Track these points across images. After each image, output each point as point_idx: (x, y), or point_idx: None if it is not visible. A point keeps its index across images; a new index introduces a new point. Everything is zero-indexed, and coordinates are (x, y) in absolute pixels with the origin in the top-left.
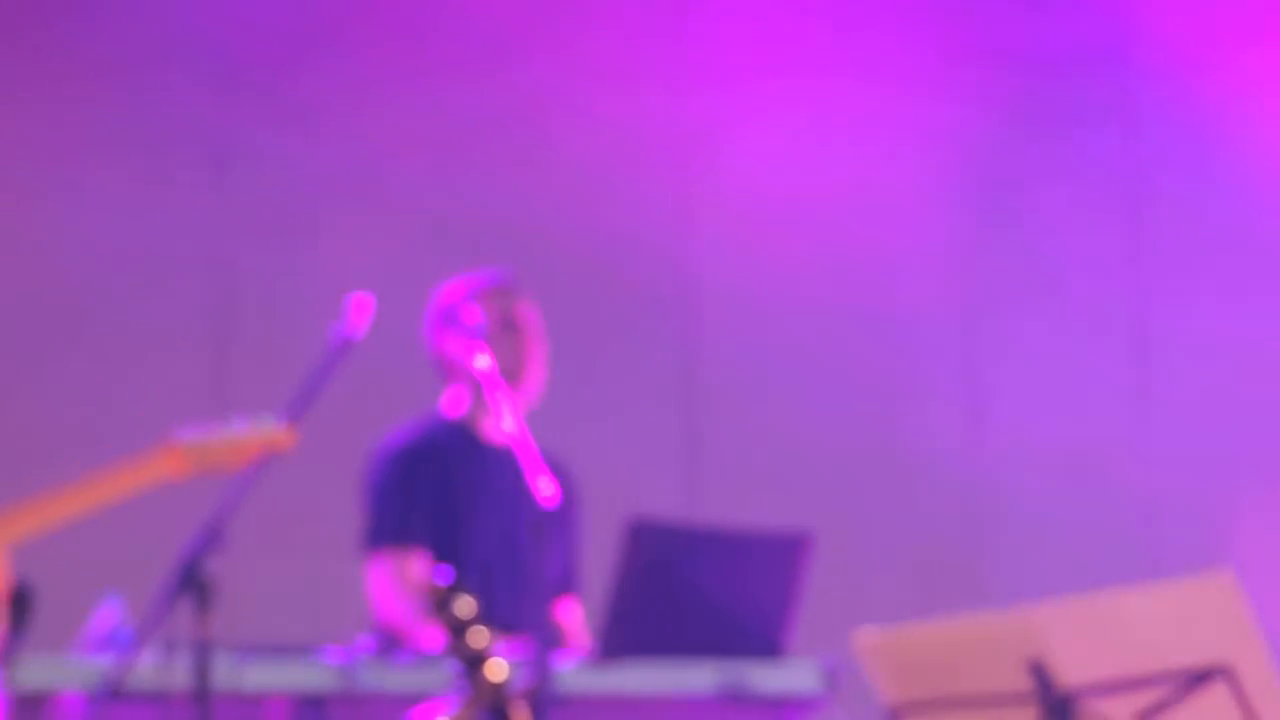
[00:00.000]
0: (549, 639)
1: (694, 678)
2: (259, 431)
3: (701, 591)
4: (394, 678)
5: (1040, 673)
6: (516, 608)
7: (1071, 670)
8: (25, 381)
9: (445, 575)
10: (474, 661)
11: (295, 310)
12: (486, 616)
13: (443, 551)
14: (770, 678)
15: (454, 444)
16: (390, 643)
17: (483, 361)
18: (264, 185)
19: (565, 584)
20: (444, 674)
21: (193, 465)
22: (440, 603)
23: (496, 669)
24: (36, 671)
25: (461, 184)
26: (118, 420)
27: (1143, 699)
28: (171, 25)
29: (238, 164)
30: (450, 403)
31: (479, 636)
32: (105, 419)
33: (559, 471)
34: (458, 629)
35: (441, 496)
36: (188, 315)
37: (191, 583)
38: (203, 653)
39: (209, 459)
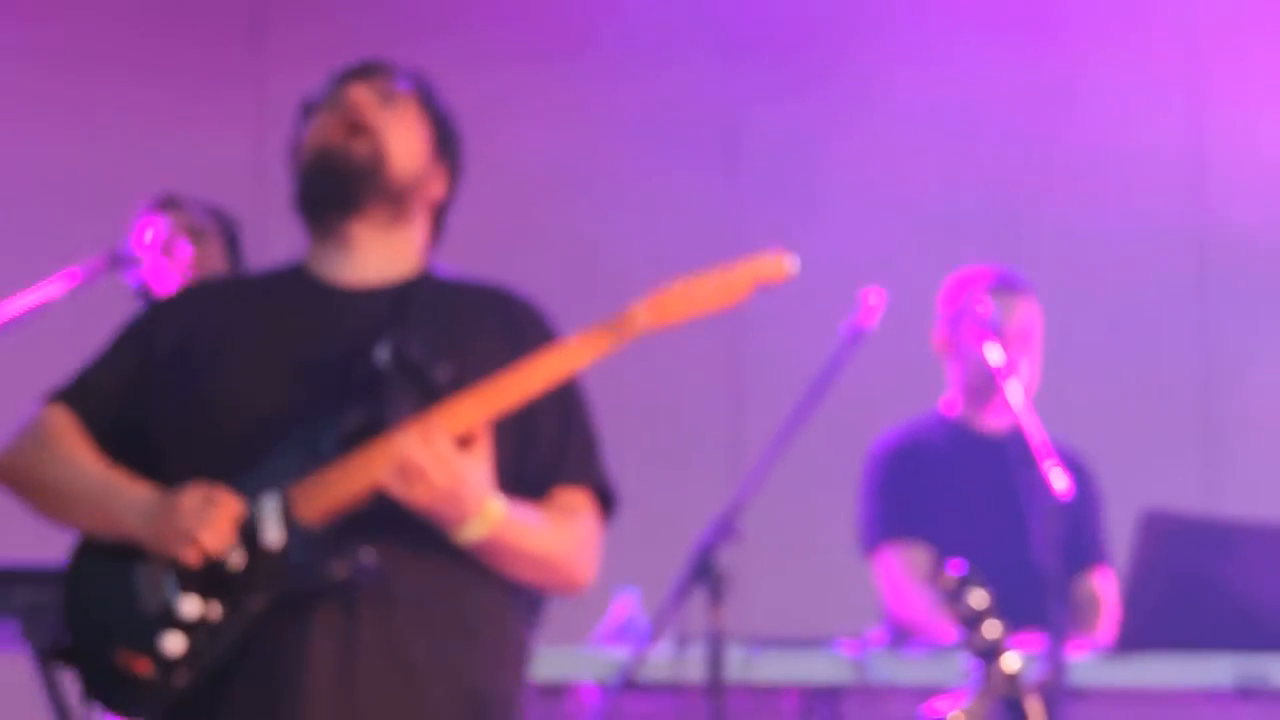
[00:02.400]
0: (1061, 631)
1: (1211, 671)
2: (750, 264)
3: (1220, 584)
4: (907, 670)
5: None
6: (1028, 600)
7: None
8: None
9: (959, 567)
10: (988, 654)
11: (805, 301)
12: (1000, 609)
13: (948, 545)
14: None
15: (952, 439)
16: (902, 635)
17: (994, 352)
18: (772, 173)
19: (1098, 554)
20: (957, 667)
21: (677, 312)
22: (953, 595)
23: (1011, 661)
24: (554, 663)
25: (966, 175)
26: (632, 414)
27: None
28: (673, 21)
29: (746, 146)
30: (950, 398)
31: (993, 629)
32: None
33: (1071, 463)
34: (971, 621)
35: (942, 491)
36: None
37: (705, 574)
38: (716, 644)
39: (695, 302)
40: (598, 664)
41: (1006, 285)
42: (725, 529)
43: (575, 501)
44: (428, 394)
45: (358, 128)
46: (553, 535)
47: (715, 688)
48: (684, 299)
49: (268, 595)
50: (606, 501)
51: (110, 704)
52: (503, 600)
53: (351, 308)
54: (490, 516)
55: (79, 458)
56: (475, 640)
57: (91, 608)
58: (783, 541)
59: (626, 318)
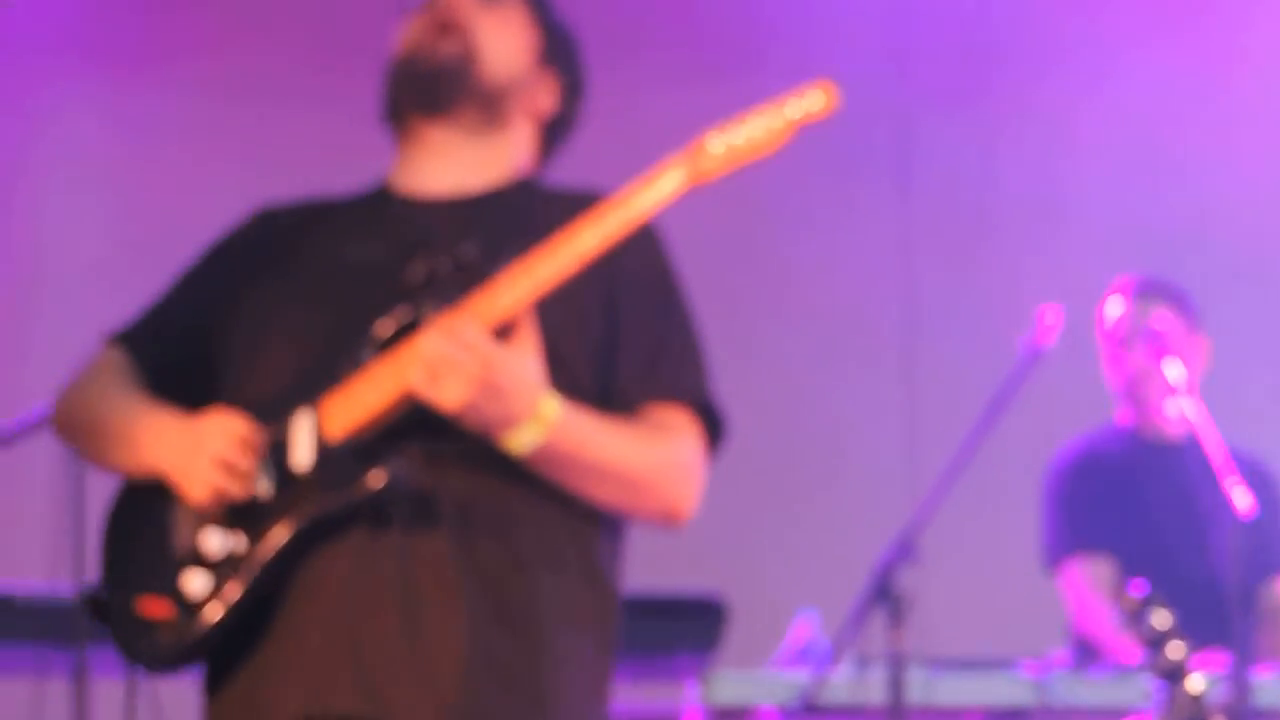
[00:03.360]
0: (1247, 651)
1: None
2: (793, 103)
3: None
4: (1090, 691)
5: None
6: (1211, 617)
7: None
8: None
9: (1140, 587)
10: (1172, 675)
11: (980, 320)
12: (1183, 628)
13: (1130, 558)
14: None
15: (1130, 450)
16: (1087, 654)
17: (1172, 366)
18: (945, 189)
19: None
20: (1141, 688)
21: (722, 160)
22: (1136, 615)
23: (1195, 683)
24: (733, 686)
25: (1143, 191)
26: (810, 435)
27: None
28: (845, 35)
29: (920, 174)
30: (1125, 411)
31: (1176, 650)
32: (793, 433)
33: (1252, 470)
34: (1155, 642)
35: (1123, 502)
36: (874, 325)
37: (885, 595)
38: (897, 666)
39: (740, 148)
40: (778, 687)
41: (1150, 290)
42: (905, 549)
43: (671, 420)
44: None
45: (448, 26)
46: (633, 446)
47: (896, 710)
48: (723, 146)
49: (295, 522)
50: (713, 425)
51: (135, 656)
52: (573, 528)
53: (423, 214)
54: (545, 417)
55: (113, 393)
56: (524, 571)
57: (121, 553)
58: (963, 561)
59: (662, 172)
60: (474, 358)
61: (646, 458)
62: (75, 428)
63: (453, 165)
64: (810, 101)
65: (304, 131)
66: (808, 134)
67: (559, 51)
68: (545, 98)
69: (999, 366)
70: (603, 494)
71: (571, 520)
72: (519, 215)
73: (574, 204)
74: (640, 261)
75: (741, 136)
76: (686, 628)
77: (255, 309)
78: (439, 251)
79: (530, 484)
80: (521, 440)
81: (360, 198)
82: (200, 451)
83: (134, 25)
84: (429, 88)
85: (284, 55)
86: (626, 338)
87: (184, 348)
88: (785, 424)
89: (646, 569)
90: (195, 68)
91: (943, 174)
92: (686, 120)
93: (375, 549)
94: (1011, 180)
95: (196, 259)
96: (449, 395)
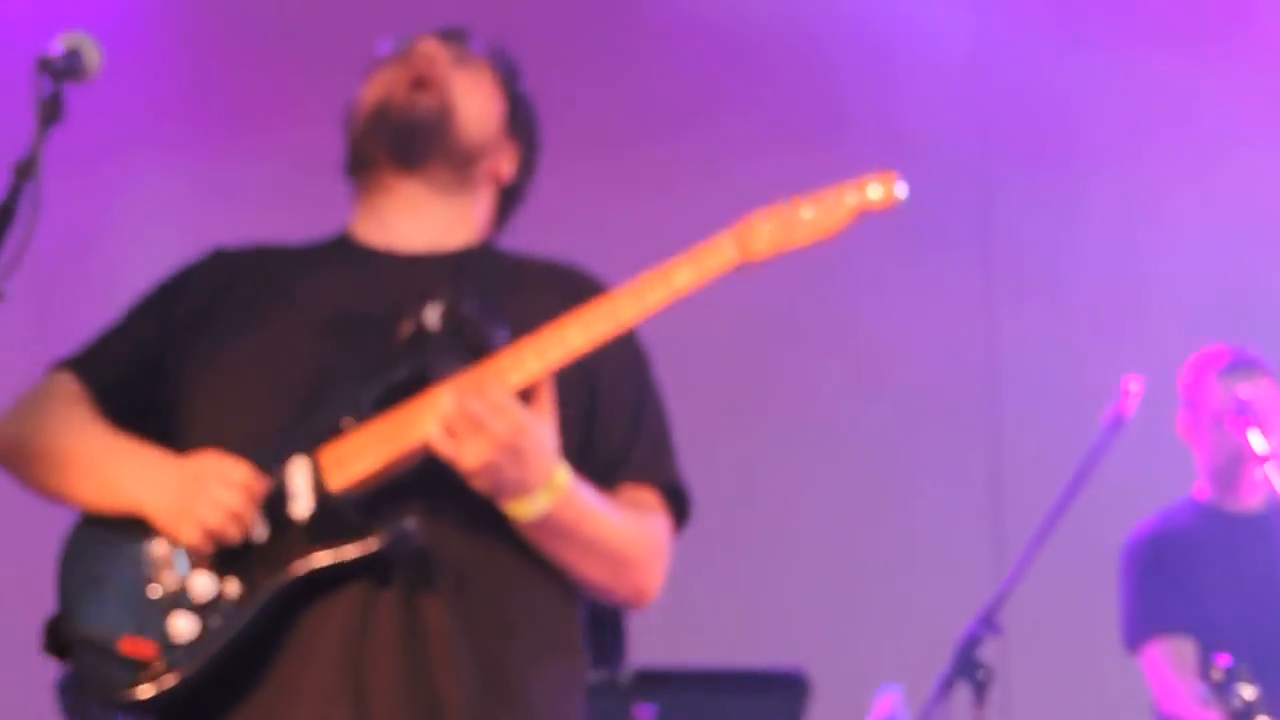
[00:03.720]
0: None
1: None
2: (855, 188)
3: None
4: None
5: None
6: None
7: None
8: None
9: (1225, 660)
10: None
11: (1062, 388)
12: (1270, 702)
13: (1211, 633)
14: None
15: (1206, 523)
16: None
17: (1258, 437)
18: (1026, 260)
19: None
20: None
21: (774, 241)
22: (1222, 689)
23: None
24: None
25: (1219, 260)
26: (892, 507)
27: None
28: (927, 101)
29: (1001, 241)
30: (1205, 483)
31: None
32: (875, 505)
33: None
34: (1241, 716)
35: (1201, 577)
36: (956, 395)
37: (969, 670)
38: None
39: (793, 230)
40: None
41: (1242, 364)
42: (988, 623)
43: (645, 500)
44: (480, 355)
45: (425, 81)
46: (625, 526)
47: None
48: (776, 229)
49: (292, 571)
50: (679, 506)
51: (109, 698)
52: (558, 600)
53: (399, 270)
54: (558, 486)
55: (77, 422)
56: (515, 639)
57: (90, 588)
58: (1047, 635)
59: (709, 249)
60: (503, 420)
61: (633, 537)
62: (24, 455)
63: (424, 222)
64: (874, 192)
65: None
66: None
67: (521, 121)
68: (506, 165)
69: (1082, 435)
70: (587, 568)
71: (558, 592)
72: (501, 278)
73: (557, 275)
74: (618, 341)
75: (796, 220)
76: (771, 703)
77: (225, 351)
78: (431, 306)
79: (524, 553)
80: (531, 508)
81: (322, 247)
82: (198, 493)
83: (228, 93)
84: (406, 141)
85: None
86: (605, 416)
87: (137, 380)
88: (867, 496)
89: (731, 644)
90: (288, 136)
91: (1024, 240)
92: (769, 185)
93: (376, 607)
94: (1094, 247)
95: (149, 293)
96: (470, 455)
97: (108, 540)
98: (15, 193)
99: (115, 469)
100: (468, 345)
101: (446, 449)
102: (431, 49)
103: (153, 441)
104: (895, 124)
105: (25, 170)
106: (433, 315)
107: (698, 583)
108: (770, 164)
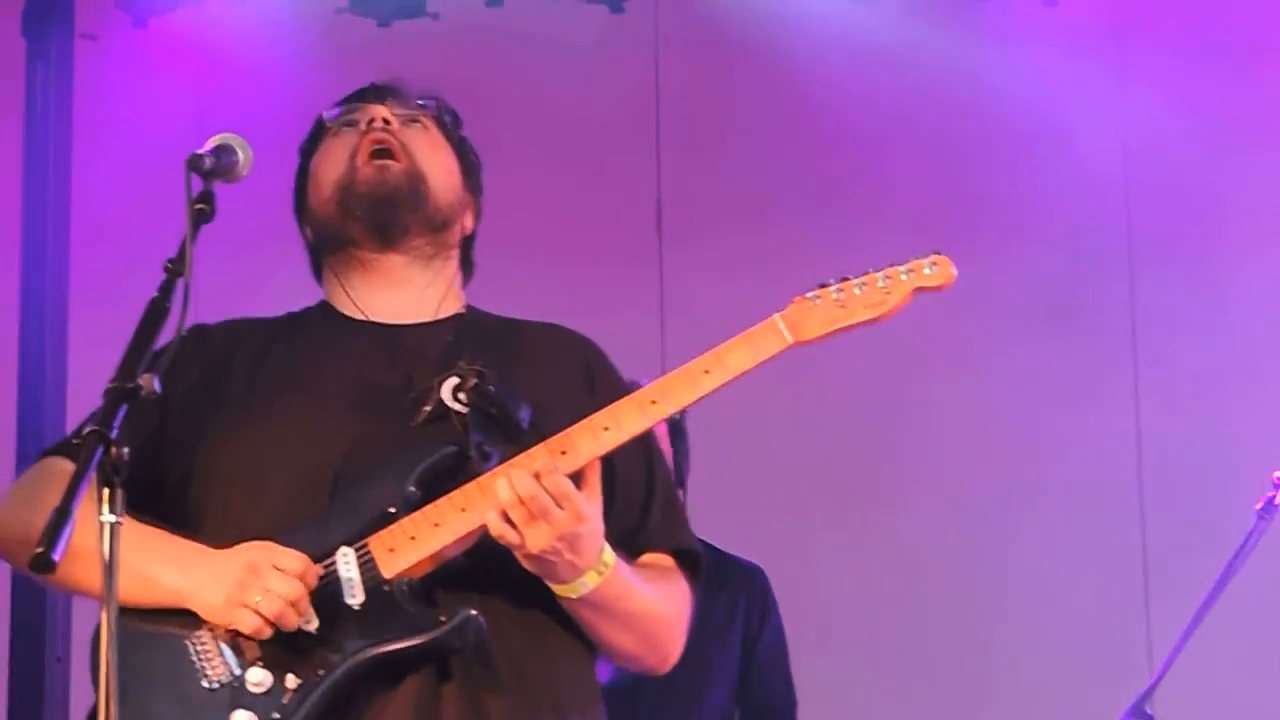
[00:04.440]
0: None
1: None
2: (911, 268)
3: None
4: None
5: None
6: None
7: None
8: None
9: None
10: None
11: (1211, 473)
12: None
13: None
14: None
15: None
16: None
17: None
18: (1174, 343)
19: None
20: None
21: (827, 320)
22: None
23: None
24: None
25: None
26: (1042, 594)
27: None
28: (1070, 180)
29: (1147, 322)
30: None
31: None
32: (1023, 592)
33: None
34: None
35: None
36: (1106, 483)
37: None
38: None
39: (848, 309)
40: None
41: None
42: (1138, 715)
43: (664, 566)
44: (508, 432)
45: (387, 150)
46: (656, 598)
47: None
48: (828, 308)
49: (350, 662)
50: (693, 567)
51: None
52: (592, 675)
53: (401, 342)
54: (608, 565)
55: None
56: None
57: (133, 682)
58: None
59: (761, 331)
60: (565, 510)
61: (664, 609)
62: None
63: (410, 293)
64: (930, 271)
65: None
66: (1033, 284)
67: (472, 170)
68: (469, 219)
69: (1230, 524)
70: (621, 639)
71: (591, 670)
72: (500, 343)
73: (557, 340)
74: None
75: (850, 299)
76: None
77: (236, 432)
78: (449, 383)
79: (568, 631)
80: (582, 588)
81: (309, 320)
82: (253, 583)
83: None
84: (383, 217)
85: (572, 218)
86: (622, 489)
87: (139, 466)
88: (1017, 588)
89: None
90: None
91: (1172, 329)
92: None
93: (439, 698)
94: (1242, 336)
95: None
96: (533, 541)
97: (145, 632)
98: (167, 289)
99: (149, 563)
100: (493, 422)
101: (507, 536)
102: (383, 114)
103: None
104: (1038, 214)
105: (177, 267)
106: (453, 392)
107: (849, 668)
108: (905, 245)
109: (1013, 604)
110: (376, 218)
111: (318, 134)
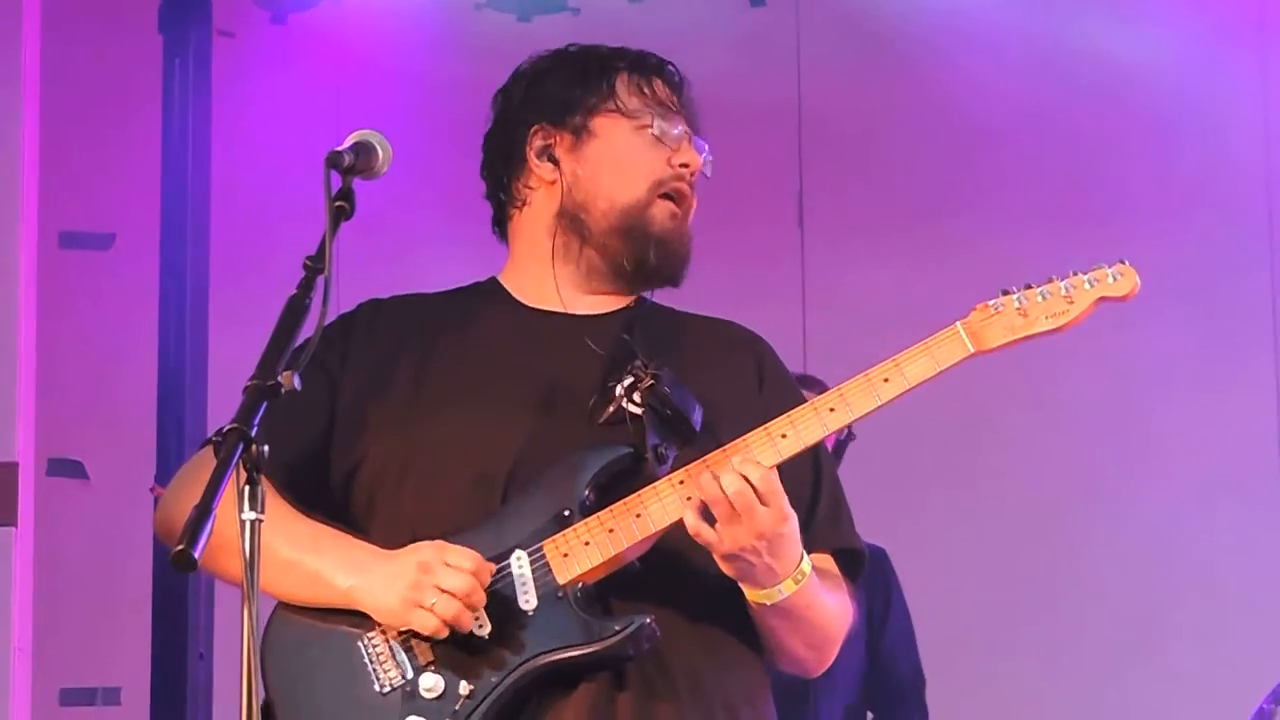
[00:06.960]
0: None
1: None
2: (1097, 278)
3: None
4: None
5: None
6: None
7: None
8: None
9: None
10: None
11: None
12: None
13: None
14: None
15: None
16: None
17: None
18: None
19: None
20: None
21: (1008, 329)
22: None
23: None
24: None
25: None
26: (1185, 583)
27: None
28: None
29: None
30: None
31: None
32: (1170, 578)
33: None
34: None
35: None
36: (1251, 479)
37: None
38: None
39: (1030, 318)
40: None
41: None
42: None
43: (828, 567)
44: (682, 434)
45: (686, 208)
46: (833, 606)
47: None
48: (1011, 318)
49: (525, 667)
50: (855, 565)
51: None
52: (765, 681)
53: (574, 332)
54: (802, 574)
55: (270, 505)
56: None
57: (300, 687)
58: None
59: (941, 340)
60: (770, 507)
61: (837, 617)
62: (211, 543)
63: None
64: (1114, 281)
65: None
66: (1174, 270)
67: None
68: None
69: None
70: (796, 646)
71: (764, 676)
72: (669, 336)
73: (715, 329)
74: None
75: (1033, 308)
76: None
77: (428, 428)
78: (624, 381)
79: (744, 643)
80: (777, 595)
81: (480, 299)
82: (425, 584)
83: None
84: (655, 270)
85: (713, 211)
86: (791, 490)
87: (306, 456)
88: (1165, 578)
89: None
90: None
91: None
92: (1046, 262)
93: (614, 706)
94: None
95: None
96: (730, 540)
97: (317, 630)
98: (307, 286)
99: (319, 561)
100: (668, 423)
101: (704, 534)
102: (699, 164)
103: (323, 514)
104: (1178, 200)
105: (317, 264)
106: (628, 391)
107: (1006, 660)
108: (1042, 237)
109: (1156, 587)
110: (646, 267)
111: (606, 91)
